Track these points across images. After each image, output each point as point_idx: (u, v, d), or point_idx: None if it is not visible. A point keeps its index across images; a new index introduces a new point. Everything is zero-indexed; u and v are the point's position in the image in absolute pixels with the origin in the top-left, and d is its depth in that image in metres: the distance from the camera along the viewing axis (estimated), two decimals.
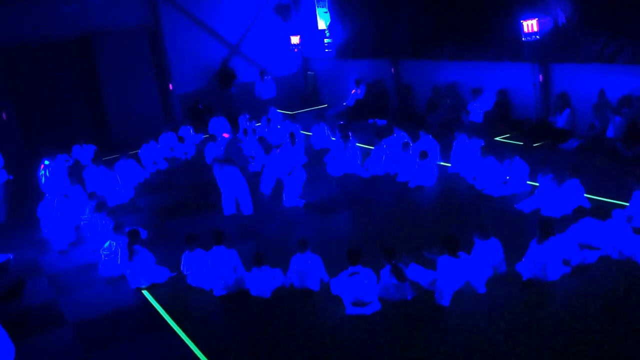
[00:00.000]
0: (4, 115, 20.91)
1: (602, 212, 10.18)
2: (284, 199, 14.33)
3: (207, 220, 13.85)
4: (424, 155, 14.70)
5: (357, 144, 16.75)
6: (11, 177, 15.64)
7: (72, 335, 9.70)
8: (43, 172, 16.06)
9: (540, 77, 17.33)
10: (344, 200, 14.42)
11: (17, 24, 20.63)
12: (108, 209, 13.84)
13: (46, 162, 16.20)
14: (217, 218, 14.02)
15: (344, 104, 23.46)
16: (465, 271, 9.34)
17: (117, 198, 15.96)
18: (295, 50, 26.08)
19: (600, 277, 9.32)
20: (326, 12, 24.85)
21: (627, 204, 10.97)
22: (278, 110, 22.29)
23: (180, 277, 11.00)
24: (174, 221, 14.35)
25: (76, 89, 22.78)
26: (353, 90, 23.13)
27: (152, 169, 18.72)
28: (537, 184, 12.66)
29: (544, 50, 16.73)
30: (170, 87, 23.78)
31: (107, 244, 11.84)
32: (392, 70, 22.24)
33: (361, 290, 9.23)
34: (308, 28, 25.69)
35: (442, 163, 15.56)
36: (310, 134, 19.61)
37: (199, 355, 8.68)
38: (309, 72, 26.67)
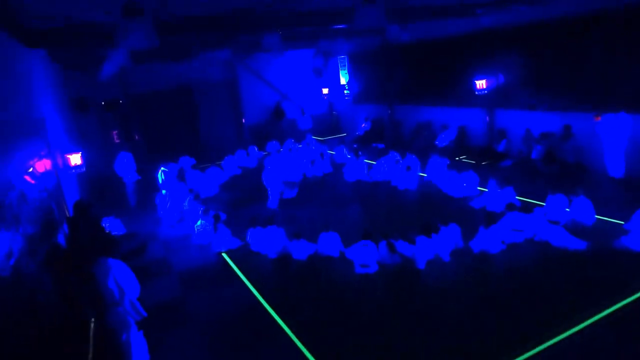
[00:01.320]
0: (136, 137, 21.16)
1: (527, 208, 10.07)
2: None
3: (265, 208, 13.83)
4: (408, 168, 14.59)
5: (365, 160, 16.61)
6: (139, 178, 15.82)
7: (176, 279, 9.80)
8: (160, 174, 16.25)
9: (487, 118, 17.13)
10: (356, 197, 14.28)
11: (147, 78, 20.88)
12: (201, 199, 13.88)
13: (162, 168, 16.39)
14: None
15: (357, 133, 23.40)
16: (435, 246, 9.30)
17: (207, 192, 15.99)
18: (325, 97, 26.05)
19: (524, 251, 9.26)
20: (346, 73, 24.85)
21: (544, 204, 10.82)
22: (313, 137, 22.23)
23: (246, 246, 11.04)
24: (243, 208, 14.24)
25: (182, 120, 22.96)
26: (363, 124, 23.06)
27: (230, 174, 18.71)
28: (484, 189, 12.53)
29: (489, 100, 16.58)
30: (243, 120, 23.83)
31: (199, 222, 11.92)
32: (389, 111, 22.10)
33: (367, 257, 9.21)
34: (334, 83, 25.69)
35: (421, 174, 15.40)
36: (334, 152, 19.53)
37: (257, 296, 8.71)
38: (333, 112, 26.62)
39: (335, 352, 6.87)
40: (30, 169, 6.81)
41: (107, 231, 11.19)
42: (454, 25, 16.39)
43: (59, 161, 10.79)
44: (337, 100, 26.02)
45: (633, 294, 7.39)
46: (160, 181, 16.12)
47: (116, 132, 20.46)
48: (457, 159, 17.09)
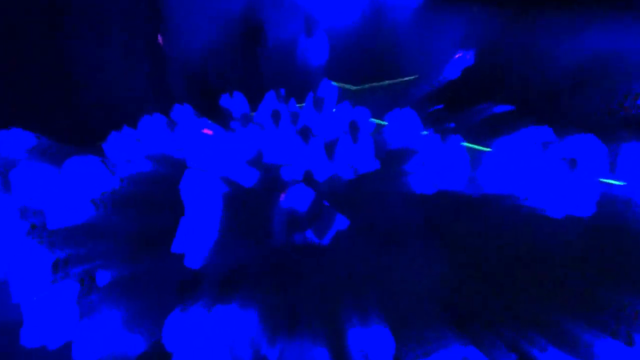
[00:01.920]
0: None
1: None
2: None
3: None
4: (574, 164, 14.24)
5: (462, 143, 16.30)
6: None
7: None
8: None
9: None
10: (435, 232, 14.14)
11: None
12: (49, 232, 13.85)
13: None
14: (219, 252, 13.72)
15: (441, 76, 23.29)
16: None
17: (65, 216, 15.58)
18: None
19: None
20: None
21: None
22: (334, 84, 22.06)
23: (162, 349, 10.90)
24: (156, 256, 14.18)
25: (27, 53, 23.28)
26: (457, 55, 22.85)
27: (125, 172, 18.44)
28: None
29: None
30: (160, 40, 23.70)
31: (42, 291, 11.70)
32: (519, 25, 21.82)
33: None
34: None
35: (606, 180, 14.92)
36: (385, 123, 19.18)
37: None
38: (383, 24, 26.59)
39: None
40: None
41: None
42: None
43: None
44: None
45: None
46: None
47: None
48: None
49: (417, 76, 25.10)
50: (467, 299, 11.20)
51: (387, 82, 24.95)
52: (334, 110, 19.94)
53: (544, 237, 13.57)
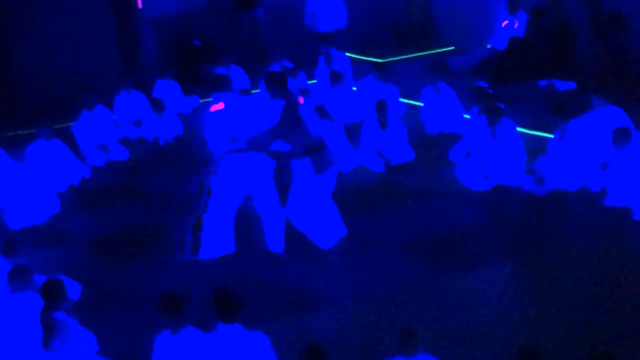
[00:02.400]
0: None
1: None
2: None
3: (200, 264, 13.21)
4: None
5: (517, 128, 15.82)
6: None
7: None
8: None
9: None
10: (495, 240, 13.50)
11: None
12: (6, 234, 13.55)
13: None
14: (217, 262, 13.37)
15: (488, 46, 23.12)
16: None
17: (25, 214, 15.35)
18: None
19: None
20: None
21: None
22: (350, 55, 21.70)
23: None
24: (136, 264, 13.63)
25: None
26: (505, 22, 22.55)
27: (96, 161, 18.29)
28: None
29: None
30: (140, 3, 23.31)
31: None
32: None
33: None
34: None
35: None
36: (421, 104, 18.87)
37: None
38: None
39: None
40: None
41: None
42: None
43: None
44: None
45: None
46: None
47: None
48: None
49: (453, 47, 24.81)
50: (545, 341, 10.38)
51: (419, 53, 24.65)
52: (354, 88, 19.57)
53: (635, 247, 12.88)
